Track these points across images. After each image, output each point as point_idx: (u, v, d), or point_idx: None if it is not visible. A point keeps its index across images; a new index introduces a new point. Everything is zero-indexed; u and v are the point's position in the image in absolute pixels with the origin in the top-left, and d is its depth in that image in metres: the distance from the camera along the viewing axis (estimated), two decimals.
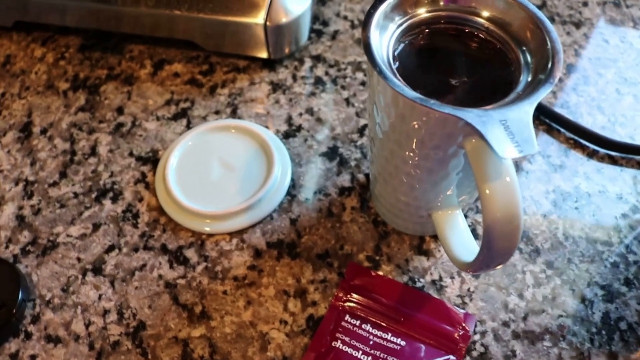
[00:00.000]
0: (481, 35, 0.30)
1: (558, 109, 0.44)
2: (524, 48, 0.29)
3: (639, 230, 0.38)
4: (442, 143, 0.27)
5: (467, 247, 0.31)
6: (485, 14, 0.30)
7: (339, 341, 0.33)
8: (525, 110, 0.25)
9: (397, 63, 0.29)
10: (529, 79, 0.27)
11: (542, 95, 0.26)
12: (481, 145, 0.26)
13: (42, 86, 0.46)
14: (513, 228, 0.26)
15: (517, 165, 0.41)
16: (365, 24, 0.28)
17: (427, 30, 0.30)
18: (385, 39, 0.28)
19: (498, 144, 0.23)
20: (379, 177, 0.34)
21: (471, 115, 0.24)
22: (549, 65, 0.27)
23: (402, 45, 0.29)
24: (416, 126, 0.27)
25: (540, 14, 0.28)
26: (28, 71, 0.47)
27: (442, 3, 0.30)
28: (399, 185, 0.33)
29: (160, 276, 0.36)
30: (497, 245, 0.26)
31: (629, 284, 0.36)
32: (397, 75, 0.27)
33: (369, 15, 0.28)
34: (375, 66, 0.26)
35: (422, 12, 0.30)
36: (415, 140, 0.28)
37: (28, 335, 0.34)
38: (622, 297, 0.36)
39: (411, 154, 0.29)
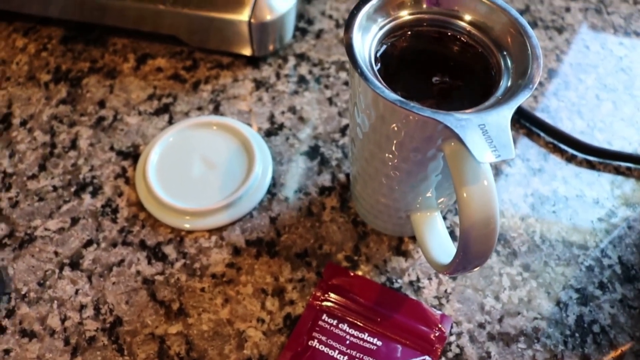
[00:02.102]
0: (463, 39, 0.30)
1: (538, 113, 0.44)
2: (505, 52, 0.29)
3: (614, 235, 0.39)
4: (421, 146, 0.28)
5: (444, 249, 0.32)
6: (468, 17, 0.30)
7: (316, 340, 0.33)
8: (503, 115, 0.25)
9: (379, 64, 0.29)
10: (509, 83, 0.28)
11: (521, 100, 0.26)
12: (460, 149, 0.26)
13: (23, 77, 0.45)
14: (489, 231, 0.26)
15: (497, 168, 0.41)
16: (348, 25, 0.28)
17: (409, 33, 0.30)
18: (367, 40, 0.29)
19: (476, 148, 0.24)
20: (359, 177, 0.35)
21: (450, 119, 0.25)
22: (529, 70, 0.27)
23: (384, 46, 0.30)
24: (396, 128, 0.27)
25: (522, 20, 0.28)
26: (9, 61, 0.46)
27: (424, 6, 0.30)
28: (379, 187, 0.33)
29: (138, 272, 0.36)
30: (473, 248, 0.27)
31: (603, 288, 0.37)
32: (379, 76, 0.27)
33: (352, 16, 0.28)
34: (357, 67, 0.26)
35: (405, 15, 0.30)
36: (394, 142, 0.28)
37: (2, 330, 0.34)
38: (596, 300, 0.36)
39: (390, 156, 0.29)
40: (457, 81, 0.30)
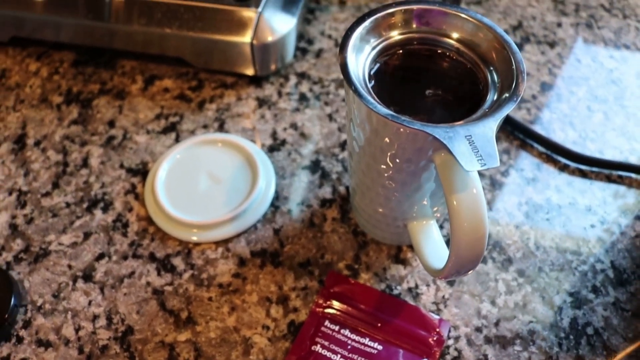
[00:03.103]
0: (452, 56, 0.32)
1: (532, 125, 0.46)
2: (492, 68, 0.31)
3: (607, 240, 0.40)
4: (414, 157, 0.29)
5: (439, 256, 0.33)
6: (455, 35, 0.32)
7: (319, 345, 0.35)
8: (489, 127, 0.27)
9: (373, 82, 0.30)
10: (495, 97, 0.29)
11: (505, 112, 0.27)
12: (449, 159, 0.27)
13: (36, 99, 0.48)
14: (479, 237, 0.27)
15: (492, 178, 0.43)
16: (342, 46, 0.29)
17: (400, 51, 0.32)
18: (361, 59, 0.30)
19: (463, 157, 0.25)
20: (357, 189, 0.36)
21: (438, 130, 0.26)
22: (514, 84, 0.29)
23: (377, 65, 0.31)
24: (389, 141, 0.29)
25: (506, 36, 0.30)
26: (23, 85, 0.49)
27: (414, 26, 0.32)
28: (376, 197, 0.34)
29: (148, 283, 0.38)
30: (464, 253, 0.28)
31: (596, 291, 0.38)
32: (372, 93, 0.29)
33: (346, 37, 0.30)
34: (351, 85, 0.28)
35: (396, 35, 0.31)
36: (388, 154, 0.30)
37: (19, 340, 0.36)
38: (590, 303, 0.37)
39: (385, 167, 0.31)
40: (447, 96, 0.31)
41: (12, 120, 0.46)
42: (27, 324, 0.36)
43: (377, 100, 0.28)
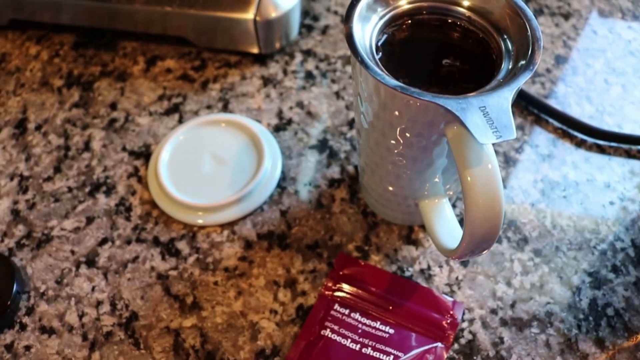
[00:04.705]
0: (463, 25, 0.30)
1: (547, 100, 0.44)
2: (505, 36, 0.29)
3: (627, 218, 0.39)
4: (424, 131, 0.28)
5: (452, 235, 0.32)
6: (466, 3, 0.30)
7: (328, 330, 0.34)
8: (504, 97, 0.25)
9: (380, 53, 0.29)
10: (510, 66, 0.28)
11: (522, 82, 0.26)
12: (462, 132, 0.26)
13: (36, 83, 0.47)
14: (495, 214, 0.26)
15: (505, 155, 0.41)
16: (348, 16, 0.28)
17: (409, 21, 0.30)
18: (368, 30, 0.29)
19: (477, 129, 0.24)
20: (366, 167, 0.35)
21: (450, 102, 0.25)
22: (529, 52, 0.27)
23: (385, 36, 0.30)
24: (398, 114, 0.28)
25: (520, 2, 0.28)
26: (23, 69, 0.48)
27: None
28: (386, 175, 0.33)
29: (152, 268, 0.37)
30: (479, 231, 0.27)
31: (616, 271, 0.36)
32: (380, 65, 0.27)
33: (352, 6, 0.28)
34: (357, 56, 0.27)
35: (404, 4, 0.30)
36: (398, 129, 0.29)
37: (23, 327, 0.35)
38: (610, 283, 0.36)
39: (395, 143, 0.30)
40: (459, 67, 0.30)
41: (12, 105, 0.45)
42: (30, 311, 0.35)
43: (385, 72, 0.27)
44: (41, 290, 0.36)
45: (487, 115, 0.25)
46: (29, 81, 0.47)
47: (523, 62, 0.27)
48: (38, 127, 0.44)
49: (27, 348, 0.34)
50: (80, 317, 0.35)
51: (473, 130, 0.24)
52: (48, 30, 0.50)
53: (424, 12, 0.30)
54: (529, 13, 0.28)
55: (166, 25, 0.46)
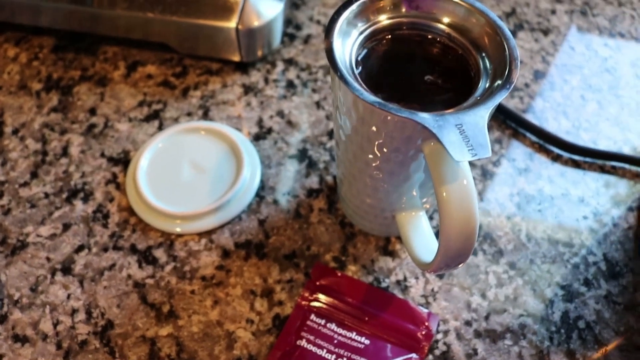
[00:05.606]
0: (443, 42, 0.31)
1: (524, 114, 0.45)
2: (484, 54, 0.29)
3: (599, 232, 0.39)
4: (402, 146, 0.28)
5: (428, 248, 0.32)
6: (446, 20, 0.30)
7: (304, 340, 0.34)
8: (480, 115, 0.26)
9: (360, 68, 0.29)
10: (487, 84, 0.28)
11: (498, 100, 0.26)
12: (438, 148, 0.26)
13: (14, 86, 0.46)
14: (470, 229, 0.26)
15: (483, 168, 0.42)
16: (328, 31, 0.28)
17: (389, 36, 0.31)
18: (348, 44, 0.29)
19: (453, 147, 0.24)
20: (344, 179, 0.35)
21: (427, 119, 0.25)
22: (507, 71, 0.28)
23: (365, 50, 0.30)
24: (376, 129, 0.28)
25: (499, 21, 0.29)
26: (1, 71, 0.47)
27: (403, 10, 0.30)
28: (363, 187, 0.33)
29: (129, 276, 0.37)
30: (454, 246, 0.27)
31: (588, 284, 0.37)
32: (359, 79, 0.28)
33: (332, 21, 0.29)
34: (337, 71, 0.27)
35: (384, 19, 0.30)
36: (376, 144, 0.29)
37: None
38: (581, 296, 0.37)
39: (373, 157, 0.30)
40: (438, 83, 0.30)
41: None
42: (3, 319, 0.35)
43: (364, 87, 0.27)
44: (15, 298, 0.36)
45: (464, 132, 0.25)
46: (6, 84, 0.46)
47: (500, 80, 0.27)
48: (15, 131, 0.43)
49: (0, 357, 0.34)
50: (55, 325, 0.35)
51: (449, 147, 0.24)
52: (27, 32, 0.49)
53: (404, 27, 0.31)
54: (507, 32, 0.29)
55: (148, 31, 0.46)
